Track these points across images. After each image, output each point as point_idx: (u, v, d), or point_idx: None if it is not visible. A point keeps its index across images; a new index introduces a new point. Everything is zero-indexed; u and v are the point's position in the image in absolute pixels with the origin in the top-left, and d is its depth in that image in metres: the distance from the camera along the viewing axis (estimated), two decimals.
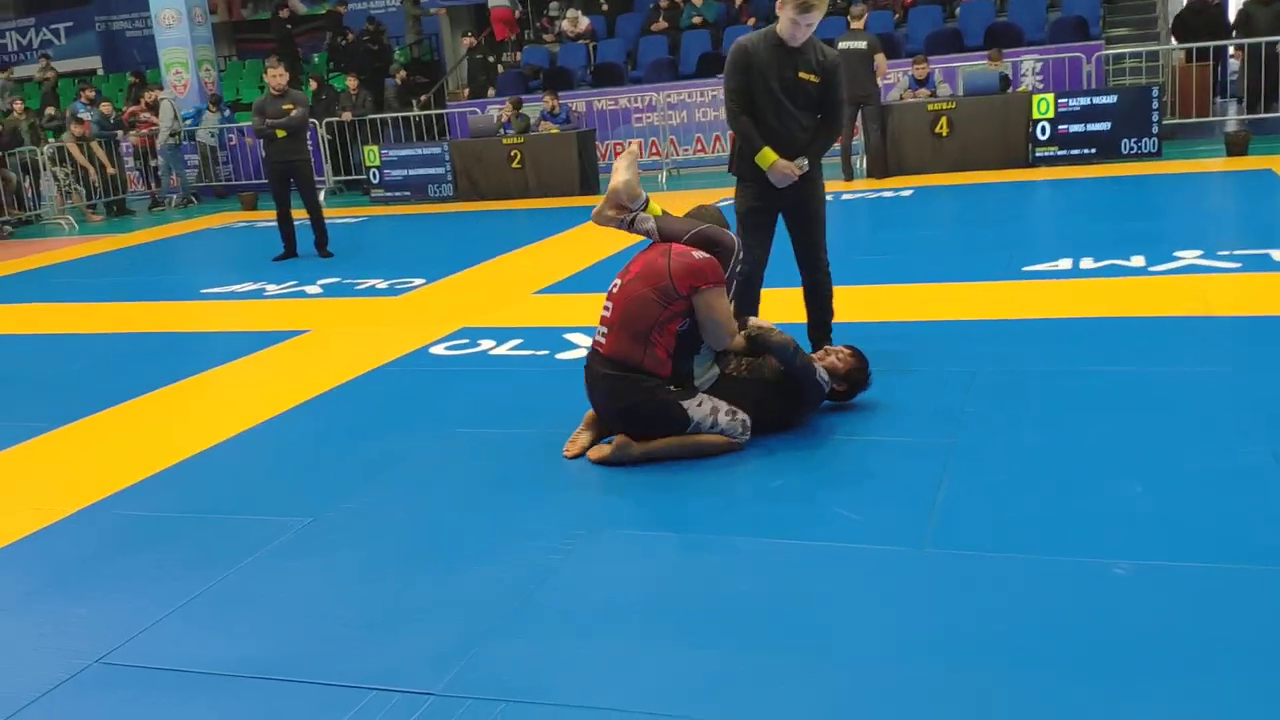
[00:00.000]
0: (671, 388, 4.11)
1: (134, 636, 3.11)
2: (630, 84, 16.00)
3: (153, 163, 16.71)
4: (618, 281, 4.24)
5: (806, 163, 4.83)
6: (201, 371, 6.12)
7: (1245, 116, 13.25)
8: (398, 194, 14.42)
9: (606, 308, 4.23)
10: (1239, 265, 6.47)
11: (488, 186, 14.01)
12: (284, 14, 19.38)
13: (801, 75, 4.75)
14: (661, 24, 16.80)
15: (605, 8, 17.87)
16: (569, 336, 6.10)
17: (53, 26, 24.73)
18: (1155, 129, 11.70)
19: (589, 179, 13.66)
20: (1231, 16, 14.98)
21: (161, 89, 17.42)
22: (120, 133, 16.73)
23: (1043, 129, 11.94)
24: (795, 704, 2.54)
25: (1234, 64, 15.21)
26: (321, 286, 8.52)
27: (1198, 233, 7.63)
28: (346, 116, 15.79)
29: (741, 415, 4.16)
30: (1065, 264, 6.91)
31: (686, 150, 15.21)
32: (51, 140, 16.18)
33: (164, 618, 3.22)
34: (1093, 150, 11.82)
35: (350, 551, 3.58)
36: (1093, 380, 4.66)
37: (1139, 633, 2.71)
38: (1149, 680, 2.52)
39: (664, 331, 4.07)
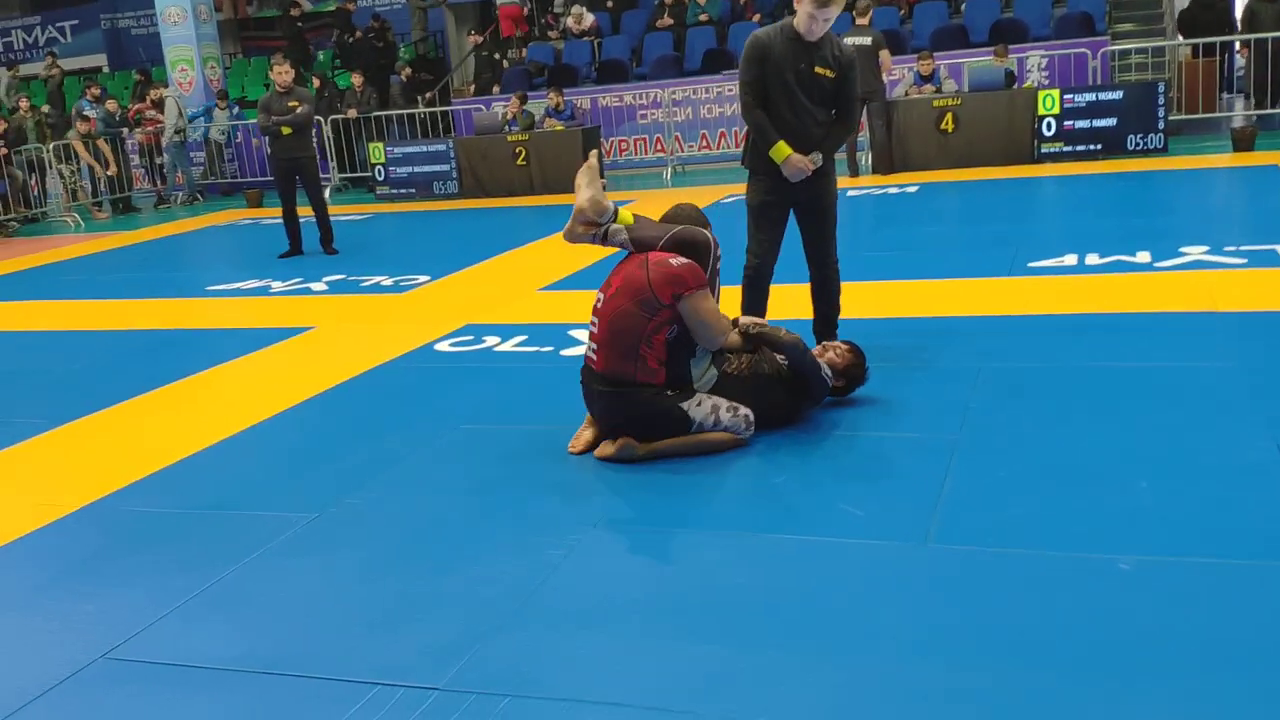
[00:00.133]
0: (669, 392, 4.11)
1: (138, 632, 3.12)
2: (635, 80, 16.00)
3: (158, 160, 16.74)
4: (601, 296, 4.21)
5: (820, 157, 4.83)
6: (207, 368, 6.13)
7: (1252, 112, 13.21)
8: (403, 191, 14.43)
9: (593, 323, 4.22)
10: (1245, 261, 6.46)
11: (492, 183, 14.01)
12: (295, 12, 19.38)
13: (817, 70, 4.74)
14: (667, 20, 16.79)
15: (610, 4, 17.86)
16: (574, 333, 6.10)
17: (58, 24, 24.79)
18: (1161, 125, 11.66)
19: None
20: (1237, 13, 14.94)
21: (166, 86, 17.44)
22: (125, 130, 16.75)
23: (1048, 125, 11.92)
24: (797, 699, 2.54)
25: (1240, 59, 15.15)
26: (327, 283, 8.53)
27: (1204, 228, 7.61)
28: (351, 113, 15.80)
29: (744, 411, 4.16)
30: (1070, 260, 6.90)
31: (691, 147, 15.21)
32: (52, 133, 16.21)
33: (168, 613, 3.22)
34: (1098, 146, 11.79)
35: (354, 547, 3.59)
36: (1097, 376, 4.65)
37: (1142, 628, 2.70)
38: (1152, 676, 2.51)
39: (652, 343, 4.05)
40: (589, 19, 17.22)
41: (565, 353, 5.75)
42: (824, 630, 2.84)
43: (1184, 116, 13.11)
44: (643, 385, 4.07)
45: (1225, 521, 3.23)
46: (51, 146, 15.49)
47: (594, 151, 4.45)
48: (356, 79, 16.30)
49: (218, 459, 4.62)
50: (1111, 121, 11.75)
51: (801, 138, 4.79)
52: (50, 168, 15.54)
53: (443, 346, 6.18)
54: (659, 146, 15.18)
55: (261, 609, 3.22)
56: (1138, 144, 11.69)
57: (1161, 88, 11.78)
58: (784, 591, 3.06)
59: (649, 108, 15.28)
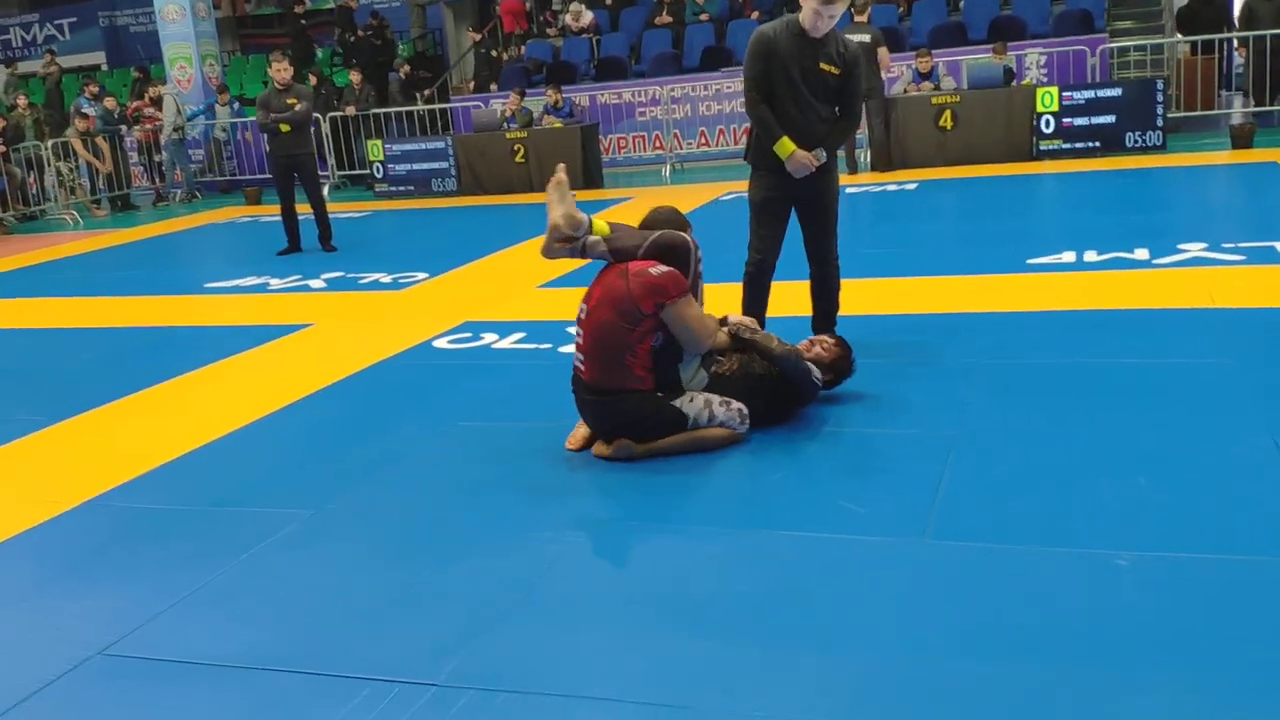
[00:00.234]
0: (659, 394, 4.10)
1: (137, 628, 3.12)
2: (634, 78, 15.99)
3: (157, 158, 16.72)
4: (584, 307, 4.20)
5: (824, 154, 4.82)
6: (205, 365, 6.12)
7: (1250, 109, 13.22)
8: (401, 188, 14.42)
9: (578, 334, 4.21)
10: (1243, 258, 6.46)
11: (491, 181, 14.00)
12: (299, 9, 19.36)
13: (822, 66, 4.74)
14: (665, 18, 16.78)
15: (609, 2, 17.85)
16: (572, 330, 6.08)
17: (57, 22, 24.76)
18: (1160, 122, 11.66)
19: (592, 173, 13.65)
20: (1236, 10, 14.94)
21: (165, 84, 17.43)
22: (124, 128, 16.74)
23: (1047, 122, 11.92)
24: (794, 695, 2.54)
25: (1239, 57, 15.16)
26: (325, 280, 8.53)
27: (1202, 226, 7.61)
28: (350, 111, 15.79)
29: (737, 405, 4.15)
30: (1069, 257, 6.90)
31: (690, 144, 15.20)
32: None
33: (167, 609, 3.22)
34: (1097, 143, 11.79)
35: (352, 544, 3.59)
36: (1096, 372, 4.65)
37: (1140, 624, 2.70)
38: (1151, 671, 2.51)
39: (637, 352, 4.04)
40: (588, 16, 17.21)
41: (563, 350, 5.75)
42: (822, 625, 2.84)
43: (1182, 114, 13.11)
44: (631, 392, 4.07)
45: (1223, 517, 3.23)
46: (50, 144, 15.48)
47: (561, 166, 4.42)
48: (355, 76, 16.29)
49: (216, 456, 4.62)
50: (1110, 119, 11.75)
51: (806, 134, 4.79)
52: (48, 165, 15.52)
53: (441, 344, 6.18)
54: (658, 144, 15.17)
55: (259, 605, 3.22)
56: (1136, 141, 11.69)
57: (1160, 85, 11.77)
58: (782, 587, 3.06)
59: (648, 105, 15.27)
